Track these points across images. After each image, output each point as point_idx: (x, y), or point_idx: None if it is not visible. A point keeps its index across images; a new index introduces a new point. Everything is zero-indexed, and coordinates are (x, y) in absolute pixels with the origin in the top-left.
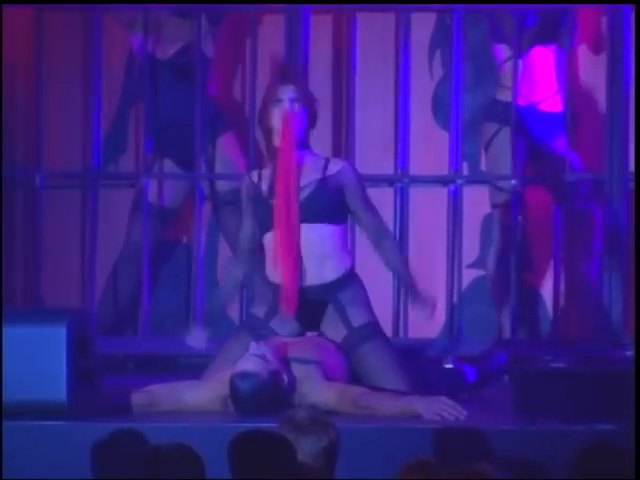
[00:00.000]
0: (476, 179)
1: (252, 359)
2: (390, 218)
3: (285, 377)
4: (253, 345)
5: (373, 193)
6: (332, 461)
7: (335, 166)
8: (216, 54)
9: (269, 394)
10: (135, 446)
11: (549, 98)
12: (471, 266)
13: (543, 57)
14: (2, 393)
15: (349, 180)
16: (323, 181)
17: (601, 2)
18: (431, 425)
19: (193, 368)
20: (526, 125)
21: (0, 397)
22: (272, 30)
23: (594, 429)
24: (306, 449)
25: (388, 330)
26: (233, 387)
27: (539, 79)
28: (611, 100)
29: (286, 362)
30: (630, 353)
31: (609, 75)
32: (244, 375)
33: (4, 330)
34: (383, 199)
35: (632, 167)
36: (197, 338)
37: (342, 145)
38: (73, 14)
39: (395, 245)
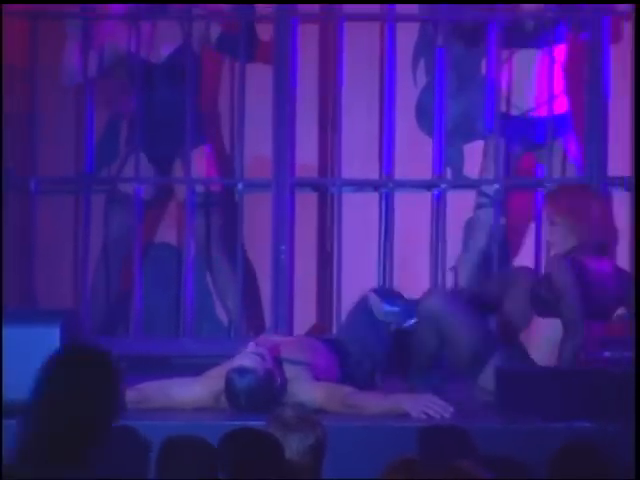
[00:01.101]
0: (459, 184)
1: (250, 356)
2: (375, 223)
3: (278, 376)
4: (251, 344)
5: (358, 198)
6: (319, 459)
7: None
8: (204, 64)
9: (263, 392)
10: (128, 442)
11: (539, 104)
12: (453, 269)
13: (531, 63)
14: (2, 393)
15: None
16: None
17: (601, 2)
18: (416, 424)
19: (186, 368)
20: (518, 131)
21: (0, 397)
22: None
23: (573, 427)
24: (293, 447)
25: None
26: (229, 382)
27: (526, 86)
28: (590, 107)
29: (278, 362)
30: (607, 354)
31: (588, 83)
32: (242, 370)
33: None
34: (368, 204)
35: (611, 172)
36: None
37: (328, 150)
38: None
39: None
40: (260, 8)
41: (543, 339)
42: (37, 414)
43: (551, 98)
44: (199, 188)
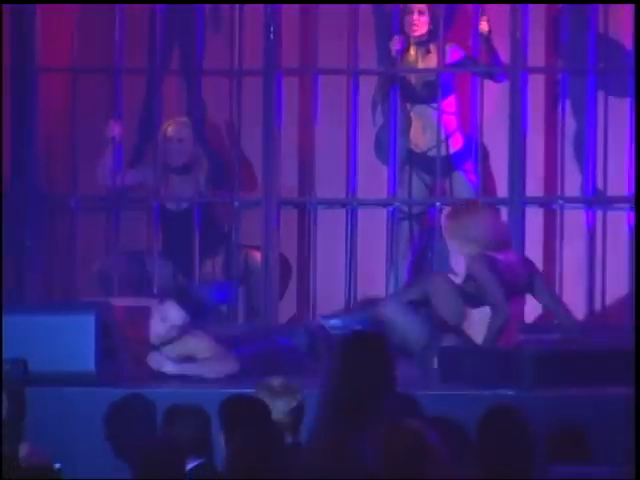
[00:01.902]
0: (408, 202)
1: None
2: (342, 235)
3: None
4: None
5: (328, 214)
6: (299, 419)
7: None
8: None
9: None
10: (143, 406)
11: (454, 140)
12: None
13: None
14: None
15: None
16: None
17: (601, 2)
18: None
19: None
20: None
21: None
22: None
23: (497, 394)
24: (279, 409)
25: None
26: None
27: (425, 131)
28: (512, 136)
29: None
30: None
31: (511, 112)
32: None
33: (49, 318)
34: (337, 219)
35: (529, 192)
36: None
37: (305, 176)
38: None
39: None
40: (250, 64)
41: (479, 325)
42: (334, 386)
43: (445, 139)
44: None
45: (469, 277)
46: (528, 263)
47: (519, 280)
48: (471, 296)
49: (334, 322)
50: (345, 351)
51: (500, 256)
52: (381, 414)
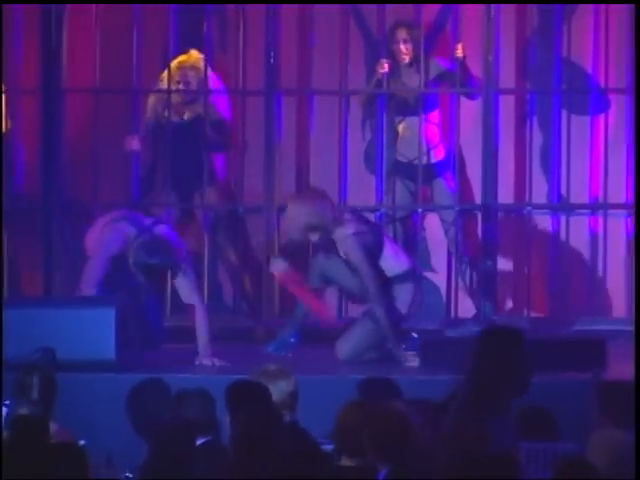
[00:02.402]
0: (393, 208)
1: None
2: None
3: None
4: None
5: None
6: (295, 401)
7: None
8: None
9: None
10: (157, 390)
11: (437, 151)
12: None
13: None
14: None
15: None
16: None
17: (601, 2)
18: (358, 376)
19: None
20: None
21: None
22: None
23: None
24: (278, 392)
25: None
26: None
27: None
28: (485, 149)
29: None
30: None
31: (484, 128)
32: None
33: (75, 311)
34: None
35: (501, 199)
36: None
37: (301, 184)
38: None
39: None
40: (253, 85)
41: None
42: (474, 378)
43: (429, 150)
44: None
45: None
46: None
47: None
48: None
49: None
50: (487, 345)
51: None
52: (511, 401)
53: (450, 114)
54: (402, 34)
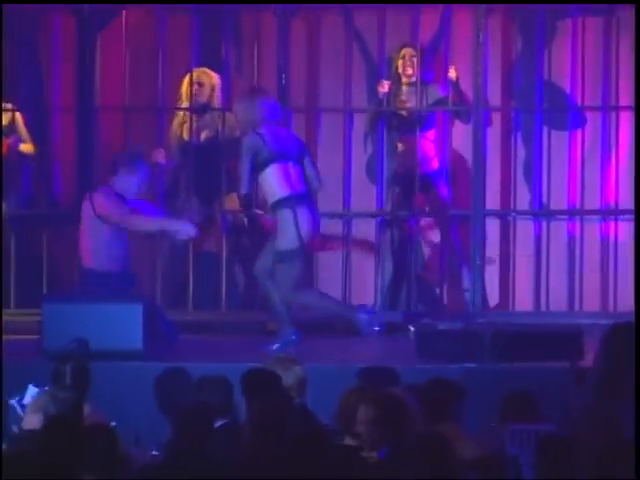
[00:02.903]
0: (391, 214)
1: None
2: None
3: None
4: None
5: (330, 224)
6: (304, 387)
7: None
8: None
9: None
10: (180, 377)
11: (432, 163)
12: None
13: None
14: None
15: None
16: None
17: (601, 2)
18: (358, 365)
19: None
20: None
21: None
22: None
23: (463, 367)
24: (289, 378)
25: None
26: None
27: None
28: (475, 161)
29: None
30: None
31: (474, 142)
32: None
33: (107, 307)
34: (336, 228)
35: (488, 205)
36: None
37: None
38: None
39: None
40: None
41: None
42: (604, 368)
43: (427, 161)
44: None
45: None
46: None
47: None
48: None
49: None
50: (617, 337)
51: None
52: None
53: (444, 131)
54: (408, 53)
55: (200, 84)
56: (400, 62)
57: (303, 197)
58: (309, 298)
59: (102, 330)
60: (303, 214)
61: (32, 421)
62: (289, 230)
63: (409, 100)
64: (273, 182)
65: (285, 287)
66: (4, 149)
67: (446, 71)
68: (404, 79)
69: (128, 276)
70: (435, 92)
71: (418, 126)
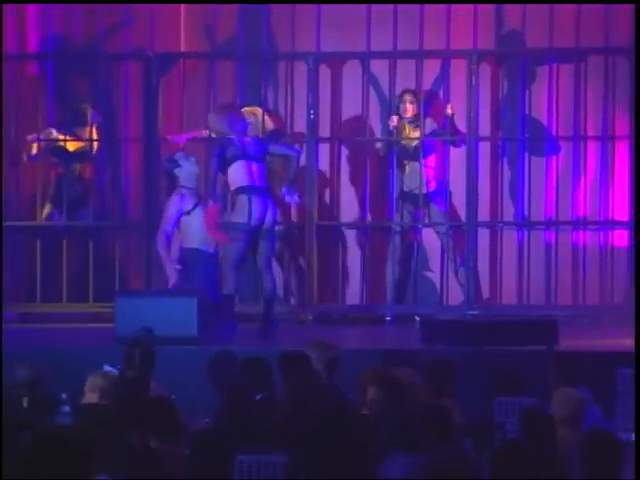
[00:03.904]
0: (400, 224)
1: None
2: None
3: None
4: None
5: (350, 233)
6: (336, 367)
7: None
8: None
9: None
10: (229, 358)
11: (431, 184)
12: None
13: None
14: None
15: None
16: None
17: (601, 2)
18: (377, 348)
19: None
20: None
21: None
22: None
23: (460, 349)
24: (322, 360)
25: None
26: None
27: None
28: (468, 181)
29: None
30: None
31: (467, 166)
32: None
33: (168, 300)
34: (353, 236)
35: (481, 217)
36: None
37: (333, 208)
38: None
39: None
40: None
41: None
42: None
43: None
44: None
45: None
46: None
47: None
48: None
49: None
50: None
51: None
52: None
53: (442, 157)
54: (408, 97)
55: (253, 114)
56: (402, 105)
57: (259, 190)
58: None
59: (164, 320)
60: (257, 203)
61: (91, 397)
62: (243, 212)
63: (411, 133)
64: (236, 174)
65: (227, 262)
66: (86, 173)
67: (444, 108)
68: (405, 117)
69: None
70: (432, 124)
71: (420, 153)
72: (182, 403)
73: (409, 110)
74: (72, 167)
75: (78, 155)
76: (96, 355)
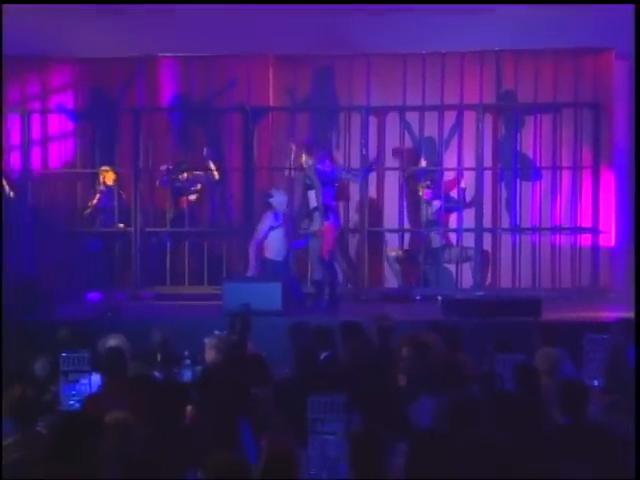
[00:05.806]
0: (412, 230)
1: None
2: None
3: None
4: None
5: (376, 235)
6: (389, 334)
7: None
8: None
9: None
10: (304, 327)
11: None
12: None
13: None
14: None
15: None
16: None
17: (601, 2)
18: (413, 319)
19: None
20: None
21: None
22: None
23: (465, 320)
24: (376, 328)
25: None
26: None
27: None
28: (477, 201)
29: None
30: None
31: (476, 188)
32: None
33: (260, 284)
34: (386, 239)
35: (485, 225)
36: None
37: (377, 218)
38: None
39: None
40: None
41: None
42: None
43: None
44: None
45: None
46: None
47: None
48: None
49: None
50: None
51: None
52: None
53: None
54: (423, 185)
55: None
56: (421, 190)
57: (331, 207)
58: None
59: (258, 298)
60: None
61: (210, 354)
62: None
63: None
64: (318, 196)
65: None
66: (182, 204)
67: (459, 183)
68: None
69: (287, 263)
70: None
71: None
72: (270, 359)
73: (426, 194)
74: (187, 191)
75: (191, 182)
76: (209, 324)
